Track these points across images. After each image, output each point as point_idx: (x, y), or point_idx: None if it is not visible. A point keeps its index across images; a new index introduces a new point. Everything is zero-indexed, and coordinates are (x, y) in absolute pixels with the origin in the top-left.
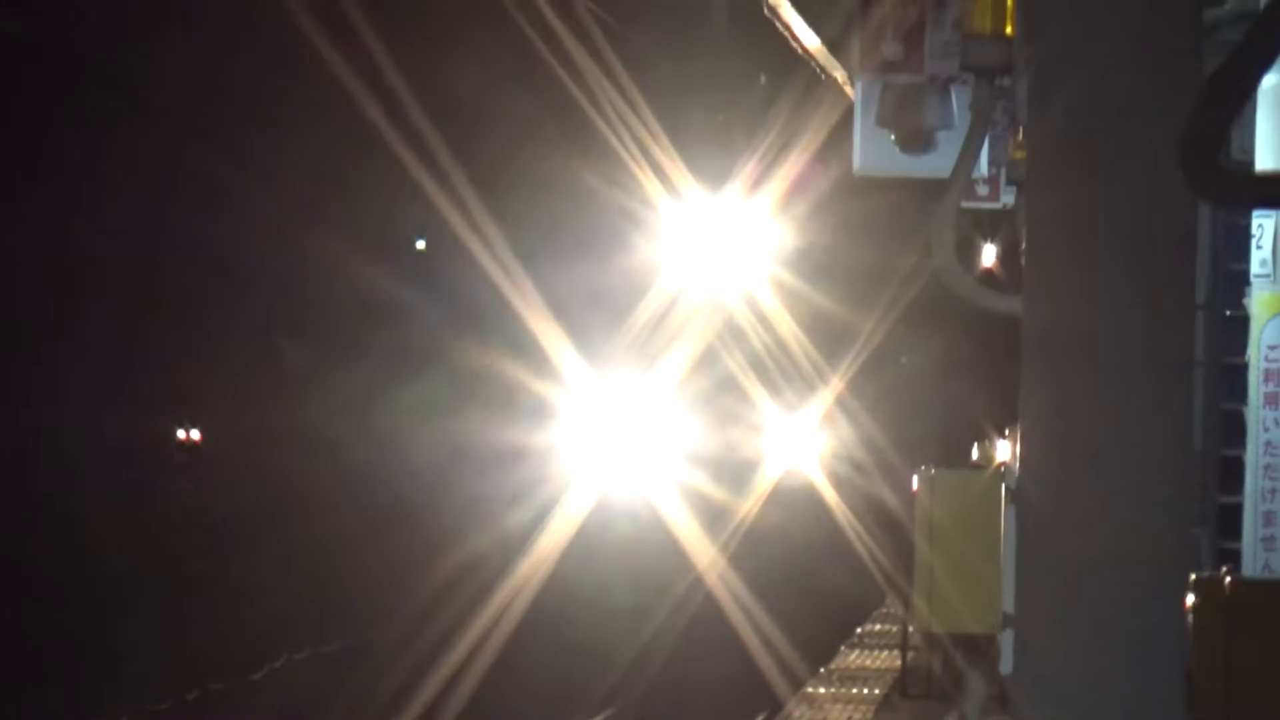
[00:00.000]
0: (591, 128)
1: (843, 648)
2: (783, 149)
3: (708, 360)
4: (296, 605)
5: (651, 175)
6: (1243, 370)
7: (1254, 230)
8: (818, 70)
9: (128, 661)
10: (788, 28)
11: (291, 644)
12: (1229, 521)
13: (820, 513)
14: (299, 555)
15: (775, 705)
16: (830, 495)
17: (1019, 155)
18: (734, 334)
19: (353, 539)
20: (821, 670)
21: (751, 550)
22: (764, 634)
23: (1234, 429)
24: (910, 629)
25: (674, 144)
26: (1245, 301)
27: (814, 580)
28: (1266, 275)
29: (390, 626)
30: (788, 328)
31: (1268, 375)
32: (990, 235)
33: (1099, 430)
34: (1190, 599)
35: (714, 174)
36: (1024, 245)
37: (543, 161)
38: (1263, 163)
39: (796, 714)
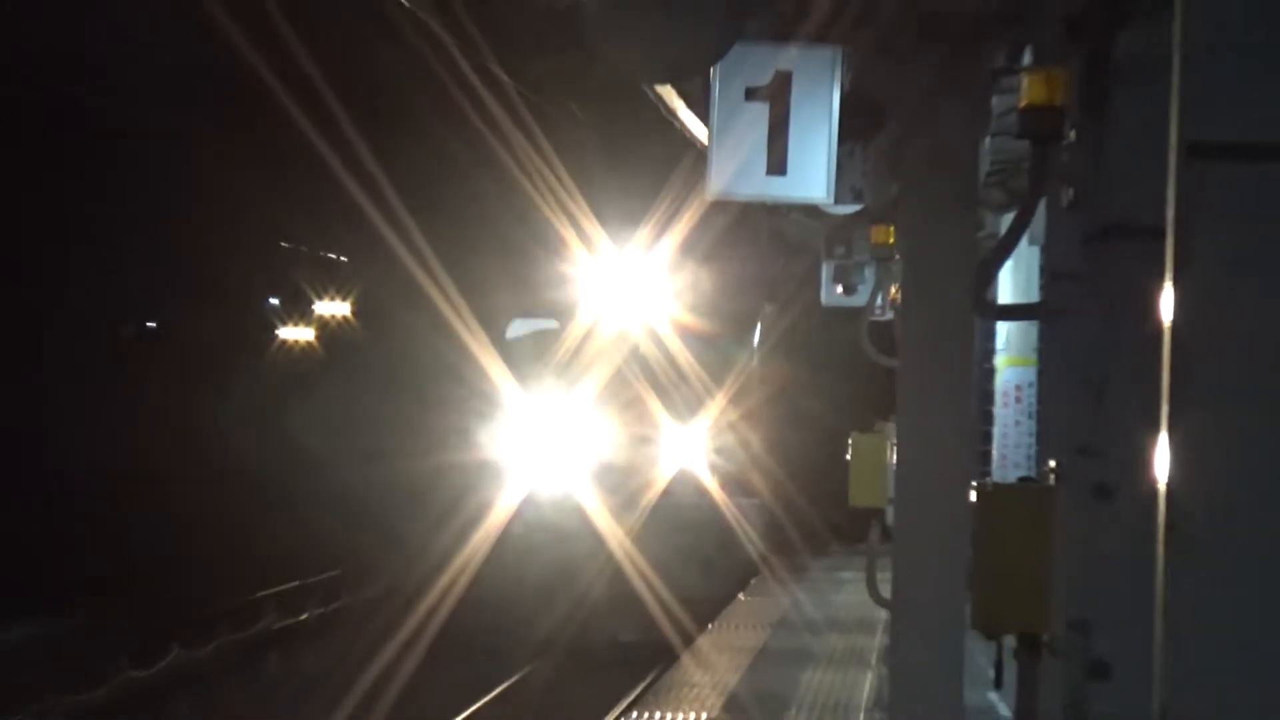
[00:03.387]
0: (533, 203)
1: (723, 613)
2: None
3: (618, 381)
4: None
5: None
6: (991, 395)
7: (999, 329)
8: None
9: None
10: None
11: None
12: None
13: (706, 500)
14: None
15: (671, 658)
16: (714, 487)
17: (896, 297)
18: (638, 360)
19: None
20: (709, 627)
21: (651, 531)
22: (660, 599)
23: (988, 426)
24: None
25: (595, 213)
26: (995, 360)
27: (701, 554)
28: (1004, 349)
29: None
30: (681, 354)
31: (1004, 398)
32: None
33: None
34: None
35: (624, 233)
36: (898, 343)
37: (492, 223)
38: (1002, 299)
39: (687, 664)
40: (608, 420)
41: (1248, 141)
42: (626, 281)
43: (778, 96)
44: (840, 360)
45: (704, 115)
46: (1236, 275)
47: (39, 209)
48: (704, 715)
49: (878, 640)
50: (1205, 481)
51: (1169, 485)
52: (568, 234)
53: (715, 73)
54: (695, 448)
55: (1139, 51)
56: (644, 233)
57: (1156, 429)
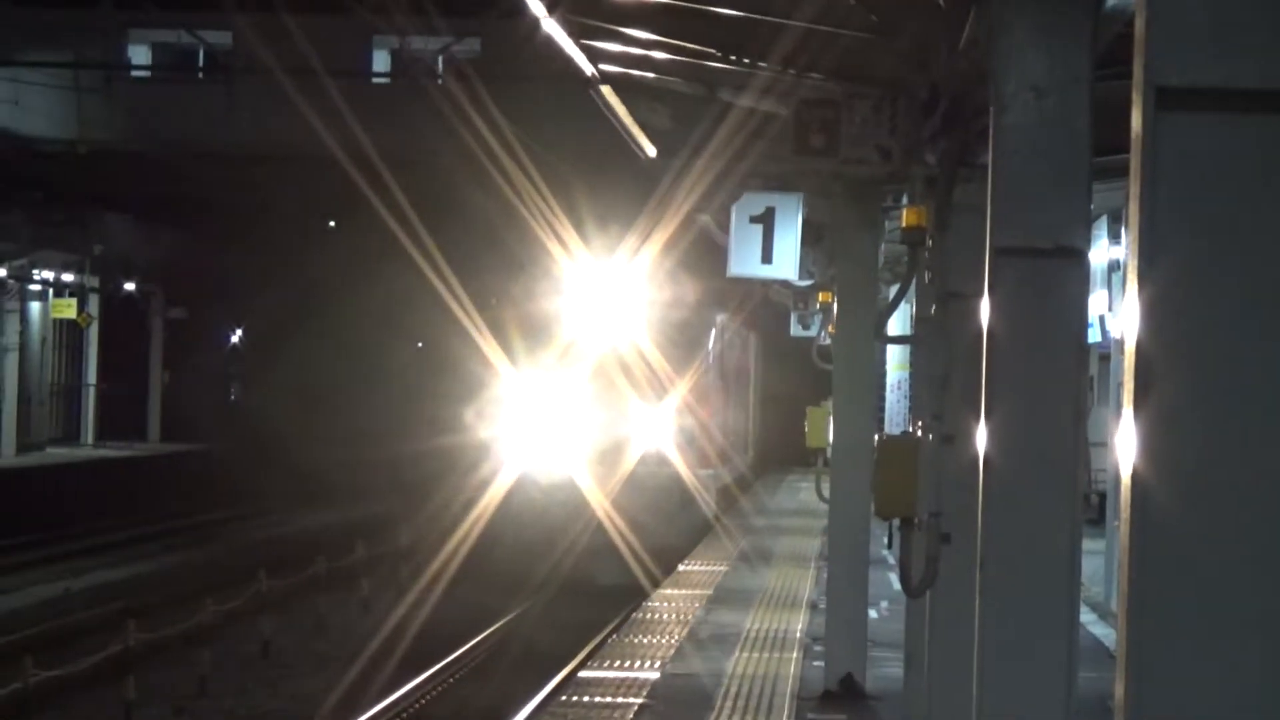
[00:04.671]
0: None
1: (679, 567)
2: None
3: (600, 374)
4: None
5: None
6: (884, 386)
7: (890, 350)
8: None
9: None
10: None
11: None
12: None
13: (669, 470)
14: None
15: (641, 597)
16: (677, 460)
17: (832, 331)
18: (616, 353)
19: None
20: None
21: (626, 494)
22: (634, 550)
23: (882, 403)
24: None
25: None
26: (887, 367)
27: (665, 512)
28: (893, 361)
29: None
30: (651, 349)
31: (892, 388)
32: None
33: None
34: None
35: (605, 255)
36: (833, 356)
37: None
38: (891, 333)
39: (654, 604)
40: (592, 405)
41: (1030, 246)
42: (608, 293)
43: (767, 221)
44: (798, 367)
45: (725, 229)
46: (1020, 319)
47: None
48: (672, 641)
49: (821, 522)
50: (1005, 435)
51: (985, 437)
52: (560, 255)
53: (733, 209)
54: (662, 428)
55: (964, 198)
56: (621, 255)
57: (978, 405)
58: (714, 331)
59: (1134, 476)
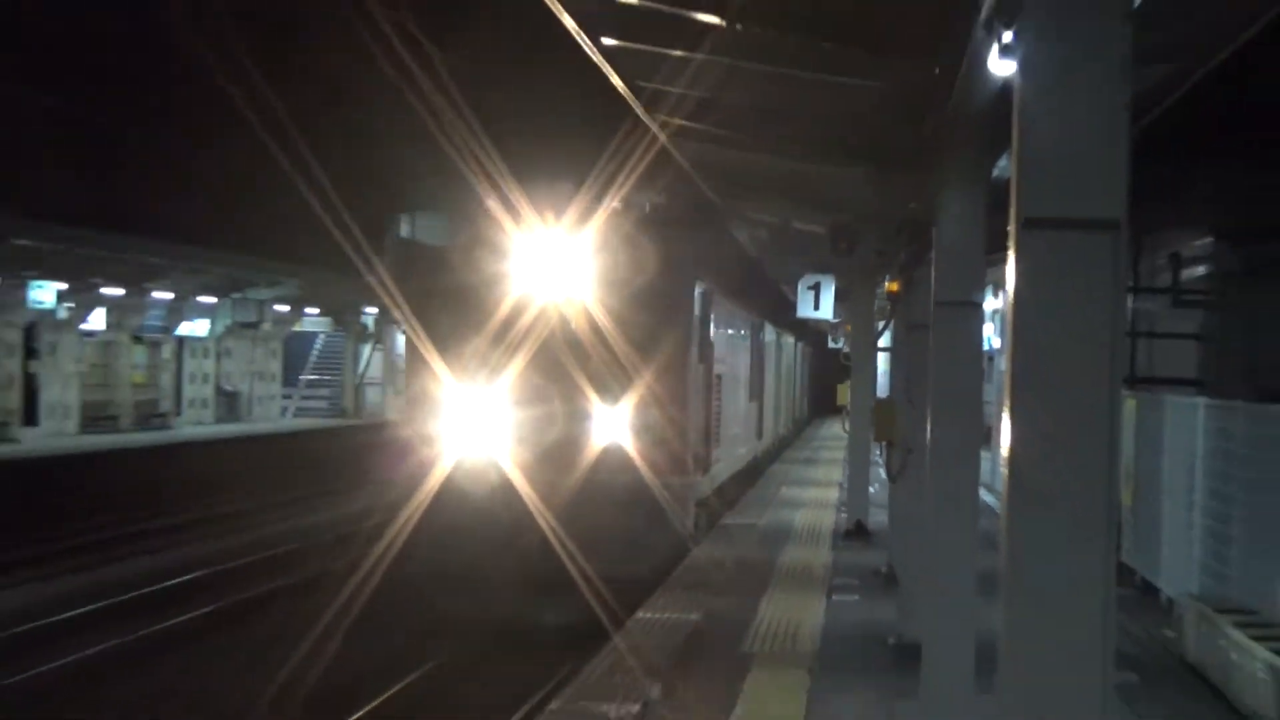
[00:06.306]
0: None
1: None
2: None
3: (541, 356)
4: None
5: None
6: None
7: (880, 355)
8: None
9: None
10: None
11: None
12: None
13: (633, 476)
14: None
15: (602, 639)
16: (640, 464)
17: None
18: (568, 338)
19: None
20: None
21: (579, 505)
22: (587, 578)
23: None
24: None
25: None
26: (879, 364)
27: (624, 528)
28: (884, 361)
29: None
30: (610, 333)
31: (881, 375)
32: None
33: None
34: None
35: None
36: (851, 358)
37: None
38: (880, 345)
39: (621, 647)
40: (530, 396)
41: (956, 300)
42: (553, 254)
43: (816, 289)
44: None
45: (794, 292)
46: (951, 343)
47: None
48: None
49: (844, 450)
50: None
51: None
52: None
53: (799, 283)
54: (621, 425)
55: (920, 275)
56: (573, 207)
57: (921, 387)
58: (693, 305)
59: (1011, 452)
